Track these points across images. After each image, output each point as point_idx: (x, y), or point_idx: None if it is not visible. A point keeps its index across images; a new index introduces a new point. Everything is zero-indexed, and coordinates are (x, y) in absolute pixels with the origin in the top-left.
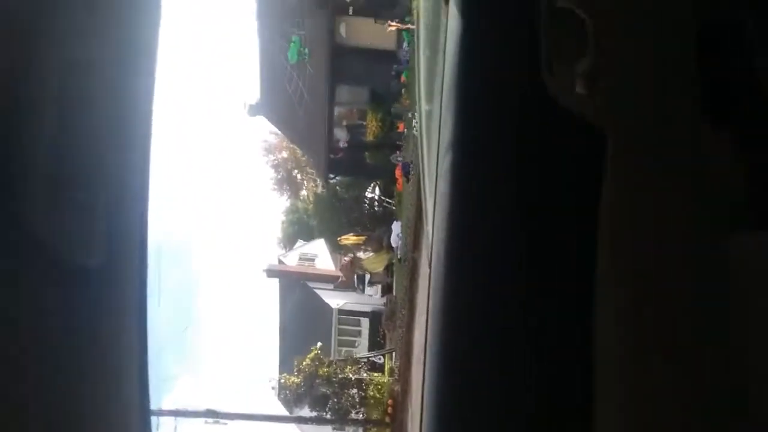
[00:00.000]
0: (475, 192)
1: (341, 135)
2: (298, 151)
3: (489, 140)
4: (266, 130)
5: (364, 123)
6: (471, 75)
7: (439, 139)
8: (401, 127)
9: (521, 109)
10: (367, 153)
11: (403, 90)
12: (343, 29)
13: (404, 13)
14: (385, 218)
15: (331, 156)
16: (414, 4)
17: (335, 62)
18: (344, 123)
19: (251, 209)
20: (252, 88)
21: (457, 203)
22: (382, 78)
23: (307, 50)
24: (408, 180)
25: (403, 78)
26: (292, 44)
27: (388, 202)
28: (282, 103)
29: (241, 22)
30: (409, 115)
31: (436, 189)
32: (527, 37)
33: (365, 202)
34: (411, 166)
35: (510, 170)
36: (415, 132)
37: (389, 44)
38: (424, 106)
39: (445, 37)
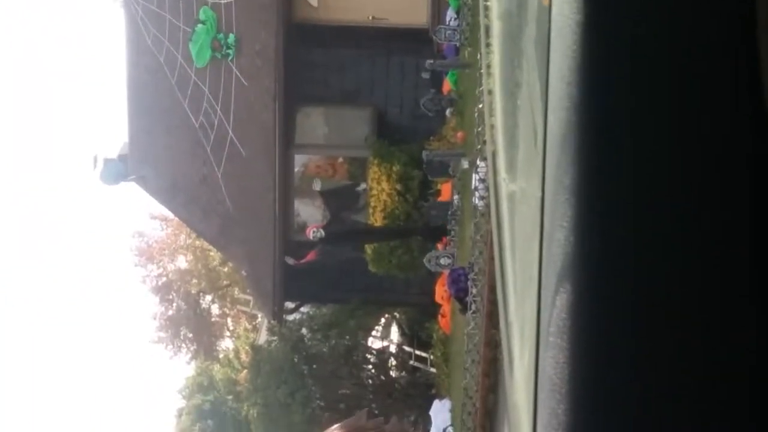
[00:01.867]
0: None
1: (309, 214)
2: (213, 255)
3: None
4: (142, 211)
5: (362, 186)
6: (614, 97)
7: (543, 213)
8: (445, 190)
9: (722, 163)
10: (368, 252)
11: (449, 111)
12: None
13: None
14: (413, 393)
15: (289, 262)
16: None
17: (296, 60)
18: (316, 186)
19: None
20: (113, 128)
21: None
22: (400, 88)
23: (232, 39)
24: (467, 309)
25: (447, 85)
26: (198, 29)
27: (419, 359)
28: (172, 153)
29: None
30: (465, 163)
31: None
32: (734, 29)
33: (368, 360)
34: (470, 275)
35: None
36: (477, 201)
37: (416, 17)
38: (502, 152)
39: (548, 28)
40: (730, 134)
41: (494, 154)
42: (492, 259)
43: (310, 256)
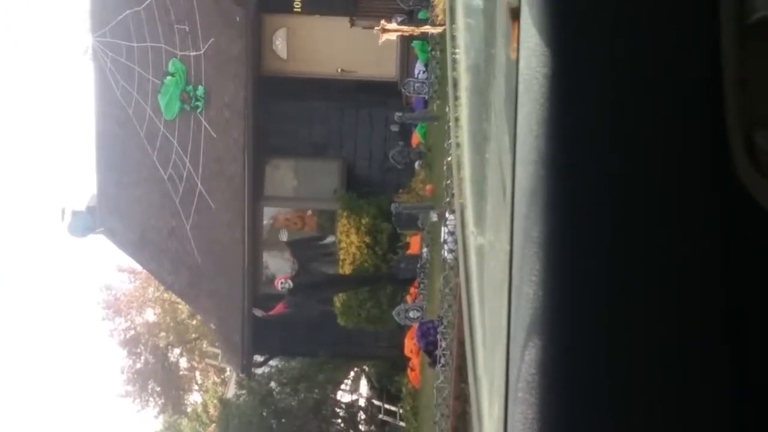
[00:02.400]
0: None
1: (278, 267)
2: (181, 308)
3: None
4: (110, 263)
5: (330, 237)
6: (579, 160)
7: (512, 266)
8: (414, 243)
9: (690, 222)
10: (337, 305)
11: (417, 164)
12: (280, 41)
13: (413, 5)
14: None
15: (257, 314)
16: None
17: (265, 112)
18: (283, 237)
19: None
20: (82, 180)
21: None
22: (369, 140)
23: (201, 91)
24: (436, 362)
25: (416, 137)
26: (167, 81)
27: (389, 413)
28: (141, 206)
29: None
30: (433, 216)
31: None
32: (699, 90)
33: (337, 414)
34: (439, 329)
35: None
36: (446, 254)
37: (385, 70)
38: (470, 206)
39: (515, 81)
40: (701, 185)
41: (463, 207)
42: (461, 312)
43: (279, 308)
